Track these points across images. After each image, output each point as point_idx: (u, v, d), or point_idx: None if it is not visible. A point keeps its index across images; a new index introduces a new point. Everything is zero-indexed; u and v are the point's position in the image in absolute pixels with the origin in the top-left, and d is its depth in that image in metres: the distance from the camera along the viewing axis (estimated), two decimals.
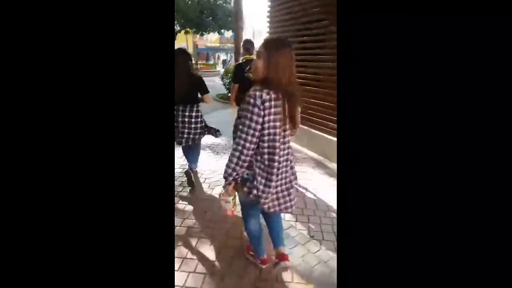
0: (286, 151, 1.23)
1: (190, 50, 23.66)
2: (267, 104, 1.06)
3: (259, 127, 1.08)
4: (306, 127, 3.87)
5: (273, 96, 1.07)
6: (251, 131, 1.08)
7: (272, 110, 1.08)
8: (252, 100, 1.05)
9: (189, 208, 2.34)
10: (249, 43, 2.98)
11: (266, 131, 1.11)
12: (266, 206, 1.25)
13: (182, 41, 21.30)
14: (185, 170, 2.70)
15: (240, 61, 2.96)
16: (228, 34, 19.95)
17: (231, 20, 13.41)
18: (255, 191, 1.20)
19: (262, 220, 1.57)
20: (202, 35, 18.45)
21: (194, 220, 2.16)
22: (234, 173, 1.14)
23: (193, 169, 2.72)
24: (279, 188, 1.27)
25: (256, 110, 1.05)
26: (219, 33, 17.57)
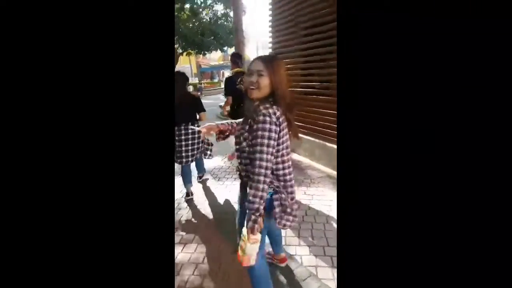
0: (290, 162, 1.21)
1: (194, 70, 24.02)
2: (280, 119, 1.08)
3: (275, 144, 1.06)
4: (318, 140, 3.43)
5: (281, 111, 1.10)
6: (271, 150, 1.05)
7: (284, 124, 1.10)
8: (268, 118, 1.04)
9: (182, 257, 1.89)
10: (237, 56, 3.11)
11: (281, 146, 1.10)
12: (289, 225, 1.20)
13: (185, 62, 21.61)
14: (183, 195, 2.78)
15: (230, 74, 3.08)
16: (231, 51, 20.06)
17: (233, 37, 13.45)
18: (281, 210, 1.16)
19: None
20: (204, 55, 18.65)
21: (187, 276, 1.71)
22: (262, 201, 1.05)
23: (202, 177, 3.12)
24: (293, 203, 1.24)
25: (274, 127, 1.04)
26: (222, 50, 17.68)
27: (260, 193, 1.03)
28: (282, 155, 1.13)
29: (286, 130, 1.12)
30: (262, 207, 1.05)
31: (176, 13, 13.64)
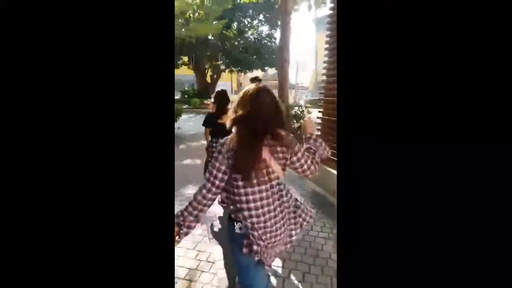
0: (266, 201, 1.06)
1: (235, 88, 24.60)
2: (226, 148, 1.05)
3: (218, 174, 1.02)
4: None
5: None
6: (212, 179, 1.04)
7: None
8: (218, 147, 1.07)
9: None
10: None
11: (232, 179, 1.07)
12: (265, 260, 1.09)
13: (227, 79, 22.20)
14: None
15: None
16: (271, 71, 20.26)
17: (275, 58, 13.45)
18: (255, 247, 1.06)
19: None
20: (245, 73, 19.03)
21: None
22: (181, 218, 1.02)
23: None
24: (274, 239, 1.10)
25: (217, 156, 1.03)
26: (263, 70, 17.83)
27: (185, 209, 1.05)
28: (237, 187, 1.02)
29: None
30: (176, 220, 1.03)
31: (223, 31, 14.10)
